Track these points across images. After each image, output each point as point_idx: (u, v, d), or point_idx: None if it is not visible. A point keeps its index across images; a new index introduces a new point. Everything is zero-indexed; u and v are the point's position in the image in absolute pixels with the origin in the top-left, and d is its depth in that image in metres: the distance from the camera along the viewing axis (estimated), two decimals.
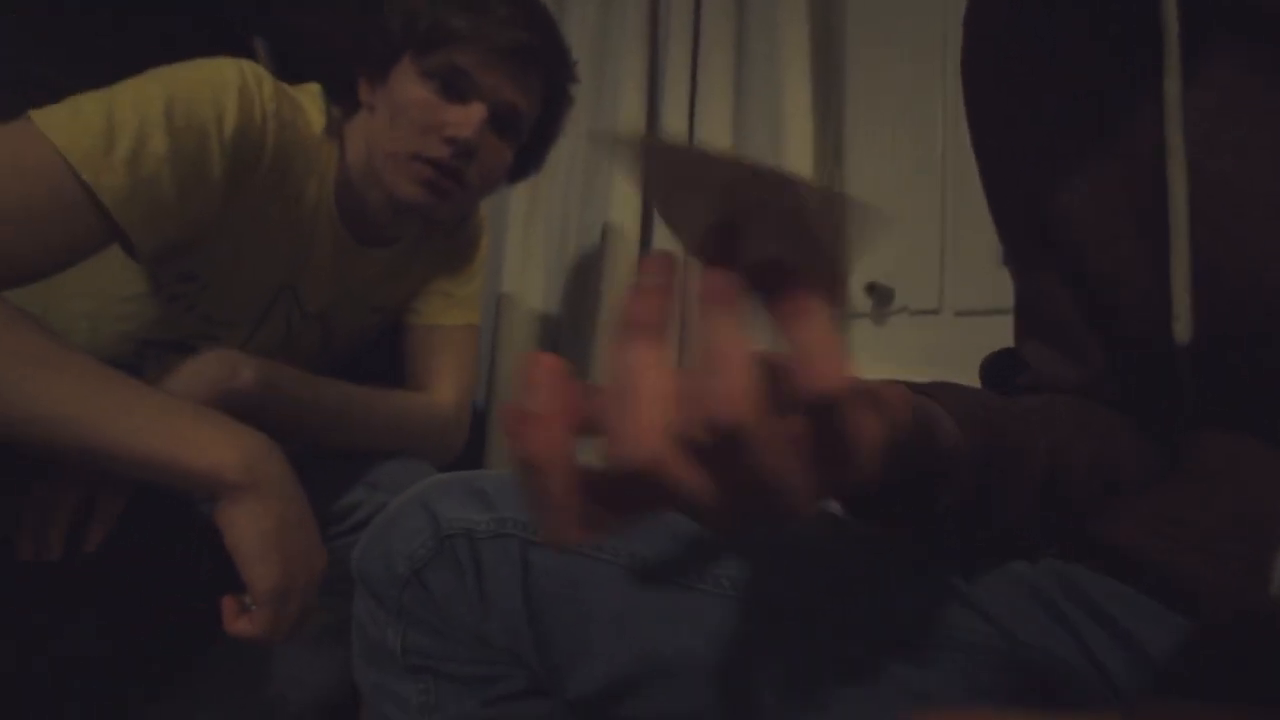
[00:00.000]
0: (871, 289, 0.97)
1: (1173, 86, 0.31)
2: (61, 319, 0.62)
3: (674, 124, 0.97)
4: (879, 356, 0.97)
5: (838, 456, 0.19)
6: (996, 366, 0.49)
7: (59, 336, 0.47)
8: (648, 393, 0.18)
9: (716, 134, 0.96)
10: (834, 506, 0.34)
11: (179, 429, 0.48)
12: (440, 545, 0.37)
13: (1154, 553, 0.31)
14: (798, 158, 0.90)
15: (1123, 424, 0.37)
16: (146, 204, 0.51)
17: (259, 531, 0.49)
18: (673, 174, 0.20)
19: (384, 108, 0.62)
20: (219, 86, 0.54)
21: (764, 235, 0.20)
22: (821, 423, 0.19)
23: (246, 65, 0.56)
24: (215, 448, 0.48)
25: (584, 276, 1.01)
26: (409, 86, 0.61)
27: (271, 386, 0.59)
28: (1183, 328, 0.30)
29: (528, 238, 1.07)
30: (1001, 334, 0.48)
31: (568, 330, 1.04)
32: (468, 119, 0.60)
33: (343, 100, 0.65)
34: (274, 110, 0.57)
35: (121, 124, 0.49)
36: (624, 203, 0.98)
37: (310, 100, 0.64)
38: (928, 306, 0.95)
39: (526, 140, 0.68)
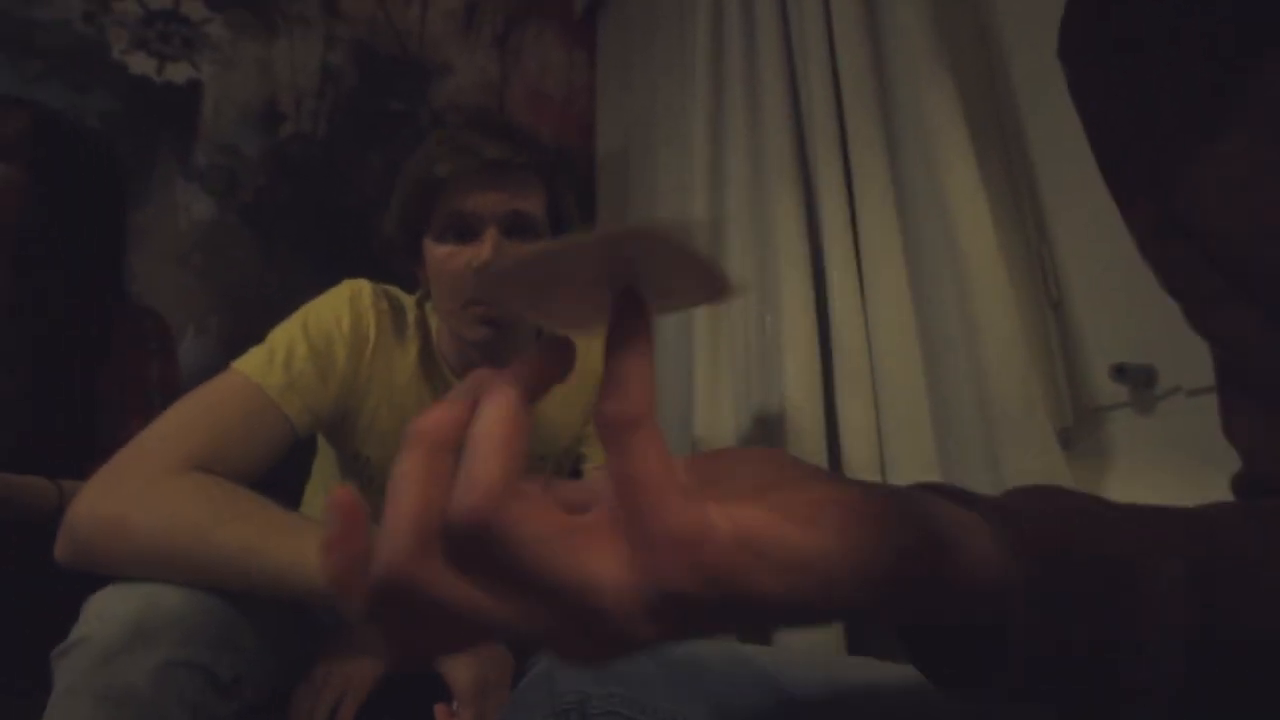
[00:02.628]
0: (1121, 371, 0.78)
1: None
2: None
3: (835, 234, 0.95)
4: (1152, 452, 0.76)
5: (641, 532, 0.16)
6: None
7: (271, 502, 0.61)
8: (403, 505, 0.17)
9: (882, 240, 0.91)
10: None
11: None
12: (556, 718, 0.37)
13: None
14: (976, 237, 0.81)
15: None
16: (299, 392, 0.68)
17: None
18: (539, 283, 0.21)
19: (432, 280, 0.75)
20: (336, 300, 0.75)
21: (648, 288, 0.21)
22: (617, 466, 0.17)
23: (354, 281, 0.77)
24: None
25: (768, 410, 0.99)
26: (432, 251, 0.73)
27: None
28: None
29: (715, 381, 1.09)
30: None
31: None
32: (482, 247, 0.70)
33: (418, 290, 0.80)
34: (371, 303, 0.75)
35: (280, 345, 0.70)
36: (799, 340, 0.96)
37: (408, 296, 0.81)
38: (1210, 382, 0.73)
39: (555, 228, 0.76)
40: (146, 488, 0.58)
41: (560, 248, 0.19)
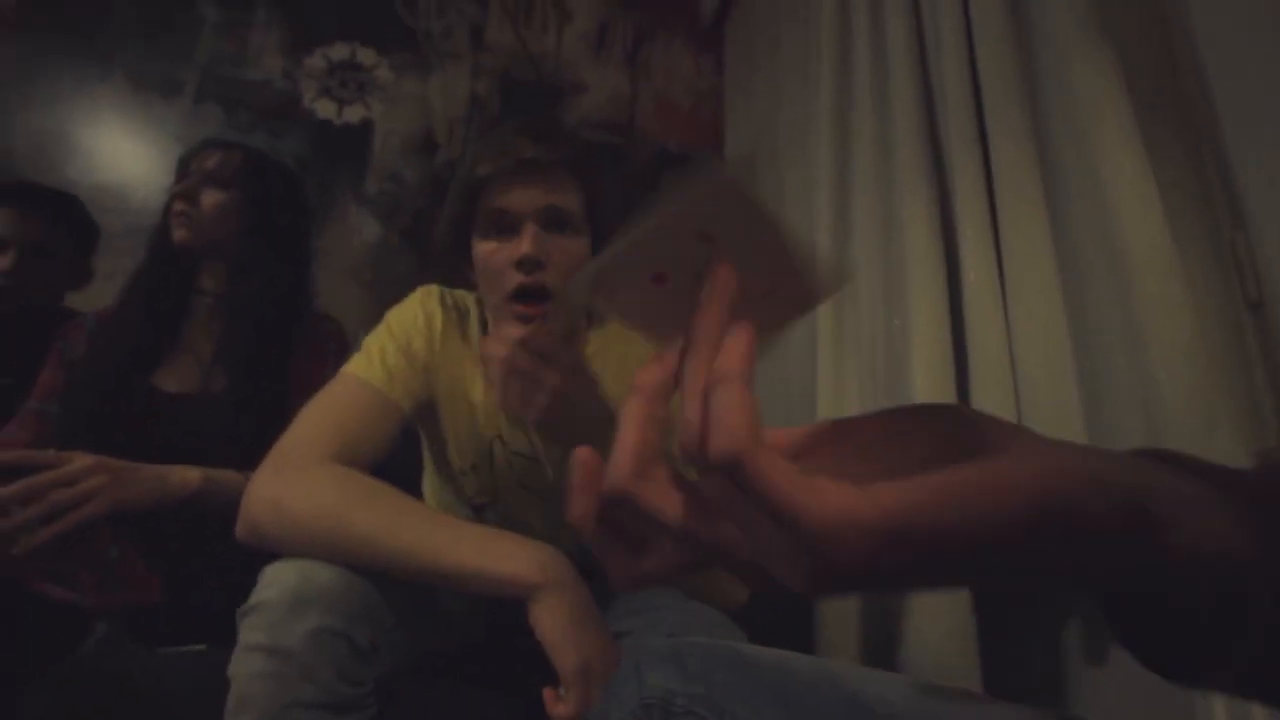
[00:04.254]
0: None
1: None
2: (443, 504, 0.90)
3: (972, 230, 0.87)
4: None
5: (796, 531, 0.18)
6: None
7: (399, 492, 0.68)
8: (627, 440, 0.22)
9: (1027, 236, 0.82)
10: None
11: (487, 546, 0.63)
12: (640, 712, 0.37)
13: None
14: (1141, 228, 0.70)
15: None
16: (398, 381, 0.78)
17: (559, 621, 0.60)
18: (638, 276, 0.23)
19: (479, 276, 0.79)
20: (411, 303, 0.85)
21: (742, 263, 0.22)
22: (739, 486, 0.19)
23: (426, 286, 0.87)
24: (515, 557, 0.62)
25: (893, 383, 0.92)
26: (478, 249, 0.77)
27: None
28: None
29: (839, 390, 1.04)
30: None
31: None
32: (520, 241, 0.73)
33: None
34: (438, 302, 0.85)
35: (374, 347, 0.80)
36: (931, 347, 0.89)
37: (471, 295, 0.89)
38: None
39: (594, 223, 0.78)
40: (296, 476, 0.67)
41: (642, 230, 0.21)
